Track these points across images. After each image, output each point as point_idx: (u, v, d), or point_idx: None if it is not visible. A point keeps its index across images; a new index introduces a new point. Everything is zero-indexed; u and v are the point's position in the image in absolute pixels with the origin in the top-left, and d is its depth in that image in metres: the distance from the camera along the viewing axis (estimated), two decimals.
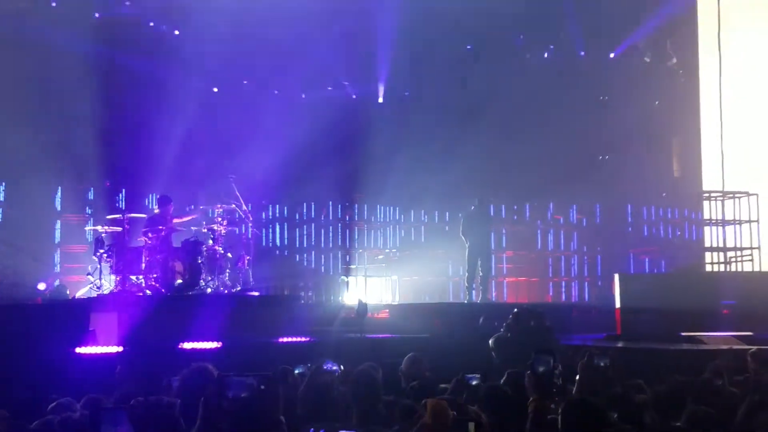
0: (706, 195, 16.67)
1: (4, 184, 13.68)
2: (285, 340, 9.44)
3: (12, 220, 13.67)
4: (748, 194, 16.30)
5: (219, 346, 8.68)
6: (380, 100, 16.22)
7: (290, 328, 9.84)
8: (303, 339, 9.48)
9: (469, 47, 16.26)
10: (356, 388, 5.07)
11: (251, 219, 11.63)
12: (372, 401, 5.00)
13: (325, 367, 5.51)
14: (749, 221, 16.07)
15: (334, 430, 4.27)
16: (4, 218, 13.59)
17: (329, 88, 15.96)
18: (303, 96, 15.88)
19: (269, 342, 9.25)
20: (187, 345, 8.61)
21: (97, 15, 14.78)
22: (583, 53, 16.60)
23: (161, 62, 14.55)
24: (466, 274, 12.56)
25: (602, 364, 5.61)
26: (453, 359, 8.29)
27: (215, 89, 15.48)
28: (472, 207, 12.77)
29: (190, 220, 11.60)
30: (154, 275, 10.60)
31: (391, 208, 15.43)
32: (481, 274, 12.46)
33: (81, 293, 11.47)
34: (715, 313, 11.97)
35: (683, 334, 10.58)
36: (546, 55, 16.60)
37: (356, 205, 15.36)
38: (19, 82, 13.47)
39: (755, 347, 6.81)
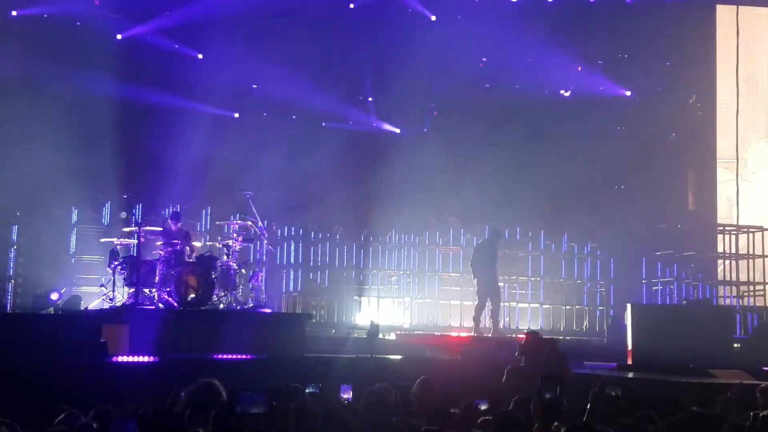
0: (720, 228, 16.58)
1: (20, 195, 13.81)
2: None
3: (28, 231, 13.78)
4: (762, 229, 16.19)
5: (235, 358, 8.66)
6: (398, 131, 16.58)
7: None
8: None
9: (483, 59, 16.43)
10: (369, 409, 5.04)
11: (266, 236, 11.65)
12: (383, 423, 4.97)
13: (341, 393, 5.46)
14: (763, 256, 15.96)
15: None
16: (21, 230, 13.69)
17: (350, 122, 16.21)
18: (323, 124, 16.09)
19: (282, 359, 9.23)
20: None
21: (119, 37, 15.07)
22: (602, 88, 16.75)
23: (180, 86, 14.81)
24: (476, 303, 12.51)
25: (614, 393, 5.58)
26: (464, 384, 8.25)
27: (236, 114, 15.74)
28: (480, 240, 12.77)
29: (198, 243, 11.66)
30: (168, 289, 10.62)
31: (405, 231, 15.46)
32: (491, 307, 12.41)
33: (93, 305, 11.51)
34: (727, 346, 11.87)
35: (693, 366, 10.49)
36: (567, 92, 16.80)
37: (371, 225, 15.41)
38: (43, 108, 13.73)
39: (765, 383, 6.72)
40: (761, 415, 5.50)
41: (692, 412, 5.40)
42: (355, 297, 14.86)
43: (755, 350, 12.24)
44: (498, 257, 12.91)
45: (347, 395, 5.46)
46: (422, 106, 16.41)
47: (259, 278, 11.30)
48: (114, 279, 10.91)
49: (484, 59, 16.59)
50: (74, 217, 14.21)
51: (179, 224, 11.35)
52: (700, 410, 5.58)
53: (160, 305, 10.59)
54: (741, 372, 10.50)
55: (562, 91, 16.87)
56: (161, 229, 11.39)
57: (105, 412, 4.92)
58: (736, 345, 12.52)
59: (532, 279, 15.64)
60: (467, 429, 4.81)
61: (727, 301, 15.41)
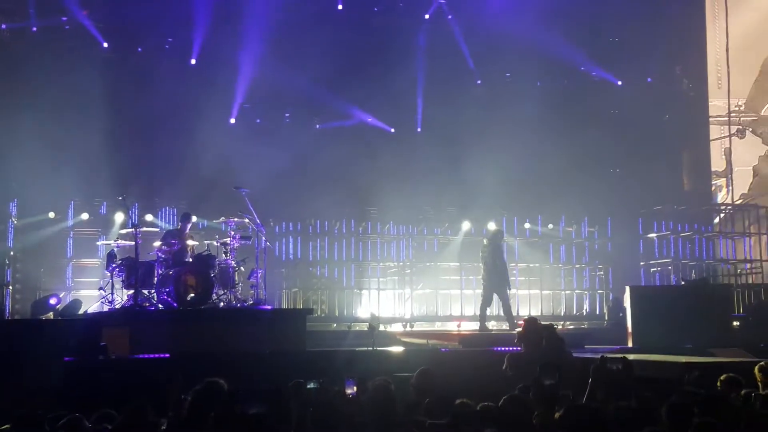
0: (717, 208, 16.60)
1: (16, 200, 13.76)
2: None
3: (25, 235, 13.75)
4: (757, 207, 16.21)
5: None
6: (392, 130, 16.63)
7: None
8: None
9: (479, 82, 16.63)
10: (372, 403, 5.03)
11: (264, 232, 11.63)
12: (388, 417, 4.96)
13: (347, 387, 5.44)
14: (759, 233, 15.98)
15: None
16: (17, 233, 13.66)
17: (345, 120, 16.30)
18: (317, 126, 16.12)
19: (284, 354, 9.22)
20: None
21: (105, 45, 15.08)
22: (594, 74, 16.76)
23: (179, 84, 14.80)
24: (481, 300, 12.52)
25: (615, 368, 5.60)
26: (466, 373, 8.25)
27: (232, 120, 15.76)
28: (485, 241, 12.80)
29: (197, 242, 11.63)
30: (167, 289, 10.60)
31: (404, 221, 15.47)
32: (502, 306, 12.43)
33: (93, 308, 11.49)
34: (726, 325, 11.90)
35: (692, 346, 10.52)
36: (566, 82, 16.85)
37: (369, 219, 15.41)
38: (39, 102, 13.71)
39: (764, 360, 6.73)
40: (762, 393, 5.51)
41: (690, 392, 5.42)
42: (355, 290, 14.85)
43: (753, 328, 12.27)
44: (503, 253, 12.89)
45: (351, 390, 5.44)
46: (415, 103, 16.37)
47: (259, 275, 11.28)
48: (112, 281, 10.89)
49: (479, 82, 16.59)
50: (70, 221, 14.18)
51: (185, 225, 11.33)
52: (700, 391, 5.60)
53: (160, 306, 10.57)
54: (740, 350, 10.54)
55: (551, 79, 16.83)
56: (171, 228, 11.39)
57: (77, 420, 4.91)
58: (735, 323, 12.55)
59: (532, 265, 15.64)
60: (469, 422, 4.80)
61: (725, 280, 15.45)
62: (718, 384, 6.23)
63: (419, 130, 16.57)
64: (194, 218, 11.75)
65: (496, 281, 12.29)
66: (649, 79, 16.88)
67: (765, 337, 11.44)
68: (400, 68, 15.82)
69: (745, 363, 7.76)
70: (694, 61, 17.30)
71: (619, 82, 16.93)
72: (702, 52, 17.25)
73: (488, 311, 12.55)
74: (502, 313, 12.74)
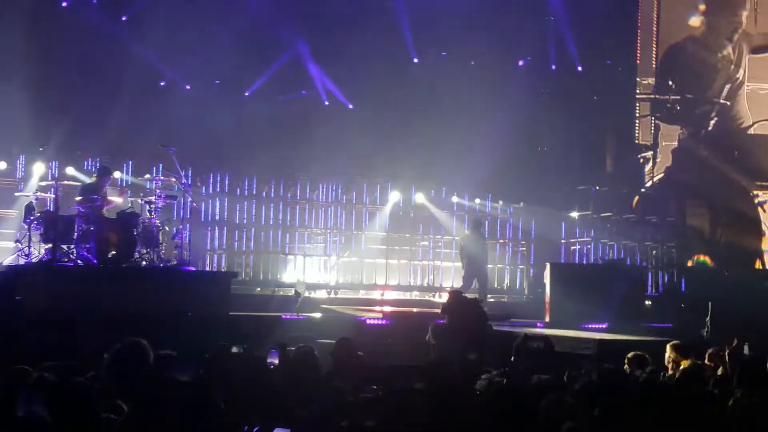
0: (637, 191, 17.17)
1: None
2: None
3: None
4: (681, 192, 16.86)
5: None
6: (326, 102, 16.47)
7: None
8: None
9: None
10: (294, 371, 5.07)
11: (191, 192, 11.43)
12: (309, 384, 5.01)
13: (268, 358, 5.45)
14: (676, 216, 16.67)
15: (270, 428, 4.22)
16: None
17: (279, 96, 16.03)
18: (245, 94, 15.89)
19: (207, 318, 9.15)
20: None
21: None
22: (529, 58, 16.97)
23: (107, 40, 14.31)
24: (461, 286, 12.86)
25: (536, 345, 5.79)
26: (388, 343, 8.39)
27: (188, 86, 15.35)
28: (467, 231, 13.14)
29: (121, 198, 11.31)
30: (87, 245, 10.33)
31: (334, 187, 15.46)
32: (478, 288, 12.82)
33: (8, 261, 11.10)
34: (639, 304, 12.42)
35: (604, 325, 10.94)
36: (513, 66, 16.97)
37: (298, 184, 15.32)
38: None
39: (675, 340, 7.07)
40: (668, 373, 5.80)
41: (605, 370, 5.66)
42: (281, 255, 14.81)
43: (665, 307, 12.84)
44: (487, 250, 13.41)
45: (274, 359, 5.47)
46: (348, 76, 16.22)
47: (184, 236, 11.10)
48: (30, 235, 10.54)
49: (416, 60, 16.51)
50: None
51: (103, 180, 11.00)
52: (611, 368, 5.86)
53: (79, 262, 10.30)
54: (650, 328, 11.03)
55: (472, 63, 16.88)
56: (89, 182, 11.03)
57: (19, 372, 4.75)
58: (647, 302, 13.10)
59: (456, 238, 15.90)
60: (394, 388, 4.89)
61: (647, 262, 16.03)
62: (626, 361, 6.52)
63: (350, 107, 16.47)
64: (116, 174, 11.42)
65: (476, 269, 12.80)
66: (579, 68, 17.17)
67: (675, 317, 11.96)
68: (336, 39, 15.66)
69: (656, 342, 8.13)
70: (623, 42, 17.63)
71: (554, 67, 17.17)
72: (633, 33, 17.61)
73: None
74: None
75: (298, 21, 15.80)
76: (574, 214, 16.37)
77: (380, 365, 6.01)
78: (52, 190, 10.65)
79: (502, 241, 16.32)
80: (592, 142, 17.35)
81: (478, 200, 16.21)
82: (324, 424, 4.32)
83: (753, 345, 6.67)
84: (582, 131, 16.96)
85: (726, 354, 6.47)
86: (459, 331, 7.57)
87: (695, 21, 17.35)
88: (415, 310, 12.42)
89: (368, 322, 10.13)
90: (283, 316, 9.91)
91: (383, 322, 10.57)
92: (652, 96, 17.42)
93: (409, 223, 15.82)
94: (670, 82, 17.36)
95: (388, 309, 12.32)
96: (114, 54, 14.53)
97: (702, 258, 13.70)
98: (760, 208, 16.87)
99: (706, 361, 6.59)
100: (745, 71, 17.30)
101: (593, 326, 10.86)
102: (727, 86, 17.27)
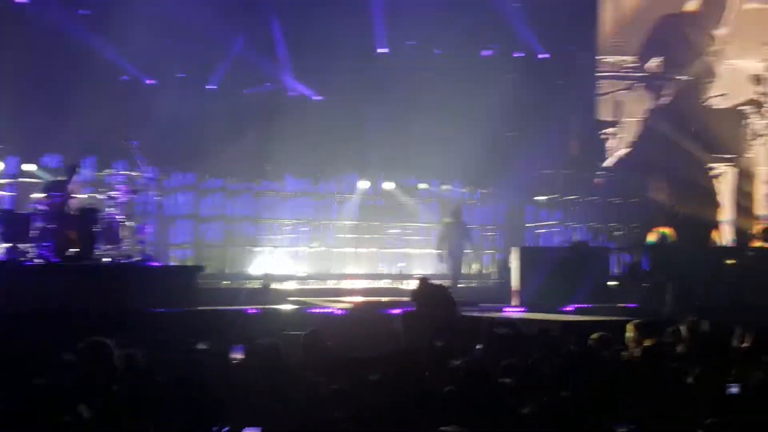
0: (600, 174, 17.31)
1: None
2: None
3: None
4: (642, 172, 17.02)
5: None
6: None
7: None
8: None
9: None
10: (260, 365, 4.97)
11: (155, 186, 11.22)
12: (276, 378, 4.91)
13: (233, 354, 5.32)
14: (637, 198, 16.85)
15: (239, 427, 4.12)
16: None
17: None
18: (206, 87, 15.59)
19: (172, 313, 8.99)
20: None
21: None
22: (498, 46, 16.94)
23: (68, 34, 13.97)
24: (452, 273, 13.02)
25: (503, 331, 5.79)
26: (357, 333, 8.31)
27: (150, 81, 15.03)
28: (446, 220, 13.26)
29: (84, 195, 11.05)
30: (46, 244, 10.08)
31: (302, 178, 15.33)
32: (452, 271, 13.00)
33: None
34: (603, 285, 12.53)
35: (572, 307, 11.01)
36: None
37: (266, 175, 15.15)
38: None
39: (638, 320, 7.09)
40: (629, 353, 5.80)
41: (571, 351, 5.66)
42: (248, 248, 14.64)
43: (627, 288, 12.94)
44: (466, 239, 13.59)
45: (237, 354, 5.36)
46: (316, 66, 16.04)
47: (147, 231, 10.90)
48: None
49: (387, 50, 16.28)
50: None
51: (70, 177, 10.73)
52: (578, 349, 5.86)
53: (39, 261, 10.05)
54: (615, 308, 11.13)
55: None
56: (52, 180, 10.75)
57: None
58: (612, 283, 13.21)
59: (425, 225, 15.85)
60: (361, 378, 4.82)
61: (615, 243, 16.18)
62: (591, 342, 6.52)
63: (315, 98, 16.30)
64: (79, 169, 11.16)
65: (458, 252, 13.00)
66: (548, 55, 17.19)
67: (639, 296, 12.06)
68: (301, 29, 15.48)
69: (620, 322, 8.16)
70: (584, 28, 17.68)
71: (519, 53, 17.15)
72: (593, 12, 17.67)
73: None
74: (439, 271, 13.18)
75: (262, 11, 15.58)
76: (541, 198, 16.43)
77: (348, 357, 5.93)
78: (10, 187, 10.37)
79: (469, 226, 16.31)
80: (557, 126, 17.41)
81: (444, 186, 16.20)
82: (300, 419, 4.24)
83: (713, 322, 6.71)
84: (547, 116, 17.01)
85: (686, 331, 6.51)
86: (428, 318, 7.52)
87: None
88: (384, 299, 12.36)
89: (336, 312, 10.04)
90: (249, 310, 9.77)
91: (351, 312, 10.50)
92: (615, 73, 17.52)
93: (378, 212, 15.75)
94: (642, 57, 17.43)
95: (357, 299, 12.23)
96: (73, 49, 14.19)
97: (663, 230, 13.80)
98: (714, 180, 17.18)
99: (666, 339, 6.61)
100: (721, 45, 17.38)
101: (561, 309, 10.92)
102: (698, 61, 17.41)
